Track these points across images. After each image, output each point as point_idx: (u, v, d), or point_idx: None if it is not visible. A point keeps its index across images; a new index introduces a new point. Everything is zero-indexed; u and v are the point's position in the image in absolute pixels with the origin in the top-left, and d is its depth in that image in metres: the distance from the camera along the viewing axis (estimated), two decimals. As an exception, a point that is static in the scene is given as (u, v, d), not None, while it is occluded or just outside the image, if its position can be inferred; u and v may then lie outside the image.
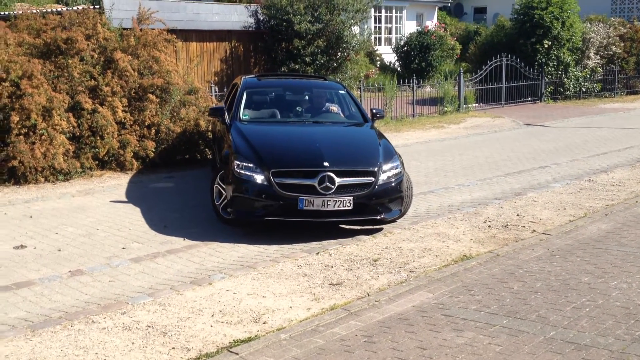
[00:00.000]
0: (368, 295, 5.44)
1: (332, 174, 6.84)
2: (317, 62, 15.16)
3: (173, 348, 4.48)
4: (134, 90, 10.93)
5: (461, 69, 19.62)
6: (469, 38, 27.34)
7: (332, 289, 5.60)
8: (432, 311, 5.00)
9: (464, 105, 19.25)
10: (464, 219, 7.87)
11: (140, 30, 11.63)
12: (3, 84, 9.72)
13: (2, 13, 13.72)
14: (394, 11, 26.78)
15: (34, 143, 9.59)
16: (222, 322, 4.91)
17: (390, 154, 7.50)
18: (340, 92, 9.18)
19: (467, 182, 10.08)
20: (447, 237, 7.15)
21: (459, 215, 8.07)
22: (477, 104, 20.11)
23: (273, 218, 6.94)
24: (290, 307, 5.21)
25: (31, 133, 9.65)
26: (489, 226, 7.56)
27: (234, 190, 7.08)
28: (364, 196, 6.95)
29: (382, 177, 7.09)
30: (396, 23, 27.02)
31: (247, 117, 8.40)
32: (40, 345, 4.49)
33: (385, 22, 26.63)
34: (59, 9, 13.05)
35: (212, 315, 5.03)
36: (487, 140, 14.39)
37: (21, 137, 9.54)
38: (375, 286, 5.67)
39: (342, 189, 6.89)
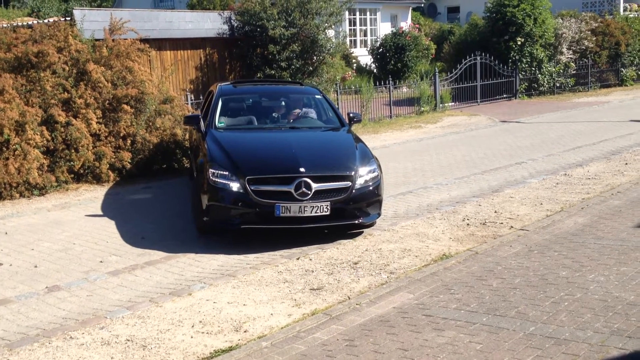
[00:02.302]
0: (349, 298, 5.43)
1: (308, 180, 6.79)
2: (293, 67, 15.15)
3: (153, 361, 4.44)
4: (107, 101, 10.84)
5: (436, 68, 19.73)
6: (443, 38, 27.50)
7: (313, 294, 5.58)
8: (412, 312, 5.00)
9: (441, 105, 19.36)
10: (442, 218, 7.90)
11: (113, 40, 11.54)
12: (-26, 99, 9.59)
13: (-29, 28, 13.53)
14: (368, 13, 26.87)
15: (7, 159, 9.47)
16: (203, 333, 4.88)
17: (367, 157, 7.46)
18: (317, 96, 9.14)
19: (445, 181, 10.12)
20: (427, 236, 7.17)
21: (438, 214, 8.10)
22: (453, 103, 20.23)
23: (250, 226, 6.89)
24: (271, 314, 5.19)
25: (4, 148, 9.53)
26: (468, 224, 7.59)
27: (209, 198, 6.99)
28: (342, 201, 6.92)
29: (360, 181, 7.06)
30: (371, 25, 27.11)
31: (222, 124, 8.33)
32: (18, 364, 4.42)
33: (360, 25, 26.70)
34: (30, 22, 12.91)
35: (193, 326, 4.99)
36: (464, 139, 14.47)
37: (-6, 153, 9.41)
38: (356, 289, 5.66)
39: (319, 195, 6.84)
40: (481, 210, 8.21)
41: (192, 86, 15.37)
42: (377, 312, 5.04)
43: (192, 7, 21.62)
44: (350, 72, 22.11)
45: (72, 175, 10.37)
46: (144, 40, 12.12)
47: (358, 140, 8.05)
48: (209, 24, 15.78)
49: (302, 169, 6.86)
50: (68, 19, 12.45)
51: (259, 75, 15.00)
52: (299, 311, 5.22)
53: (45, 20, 12.59)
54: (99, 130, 10.56)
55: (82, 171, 10.44)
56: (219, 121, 8.36)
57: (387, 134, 15.61)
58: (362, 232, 7.38)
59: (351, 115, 8.89)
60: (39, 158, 9.80)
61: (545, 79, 22.63)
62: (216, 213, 6.98)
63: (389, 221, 7.86)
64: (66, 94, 10.53)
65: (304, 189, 6.76)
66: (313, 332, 4.72)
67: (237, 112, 8.85)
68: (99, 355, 4.53)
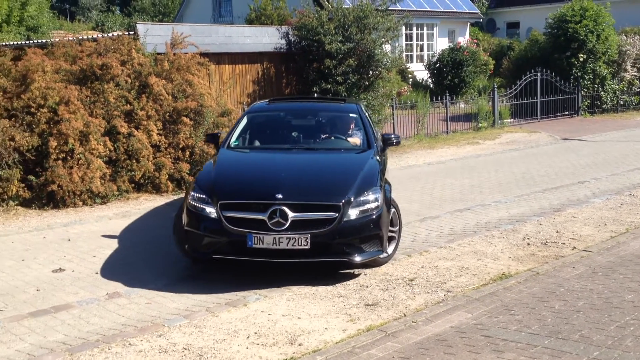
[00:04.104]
0: (405, 315, 5.35)
1: (285, 208, 6.02)
2: (349, 82, 15.16)
3: (209, 371, 4.46)
4: (168, 113, 11.08)
5: (495, 84, 19.43)
6: (502, 53, 27.10)
7: (367, 310, 5.52)
8: (471, 332, 4.89)
9: (499, 121, 19.03)
10: (501, 237, 7.72)
11: (174, 54, 11.81)
12: (41, 110, 9.95)
13: (39, 41, 14.08)
14: (425, 28, 26.74)
15: (71, 167, 9.77)
16: (258, 344, 4.88)
17: (369, 185, 6.51)
18: (352, 115, 8.23)
19: (504, 198, 9.91)
20: (485, 255, 7.02)
21: (497, 232, 7.93)
22: (512, 119, 19.86)
23: (221, 256, 6.26)
24: (326, 328, 5.15)
25: (69, 157, 9.84)
26: (528, 244, 7.40)
27: (187, 224, 6.43)
28: (325, 234, 6.05)
29: (352, 212, 6.17)
30: (428, 40, 26.96)
31: (236, 143, 7.83)
32: (78, 369, 4.51)
33: (417, 40, 26.59)
34: (95, 36, 13.33)
35: (248, 337, 5.00)
36: (524, 156, 14.17)
37: (59, 161, 9.73)
38: (412, 306, 5.57)
39: (298, 226, 6.03)
40: (542, 229, 8.00)
41: (249, 100, 15.56)
42: (434, 331, 4.94)
43: (250, 22, 21.94)
44: (406, 87, 22.01)
45: (133, 185, 10.61)
46: (203, 54, 12.36)
47: (380, 165, 7.21)
48: (267, 38, 15.97)
49: (279, 195, 6.11)
50: (132, 33, 12.80)
51: (314, 89, 15.06)
52: (354, 326, 5.17)
53: (110, 34, 12.99)
54: (159, 141, 10.80)
55: (142, 181, 10.68)
56: (235, 140, 7.87)
57: (443, 149, 15.43)
58: (417, 251, 7.27)
59: (385, 137, 8.15)
60: (102, 167, 10.07)
61: (609, 96, 21.99)
62: (193, 240, 6.37)
63: (445, 238, 7.73)
64: (128, 105, 10.81)
65: (279, 218, 6.01)
66: (368, 348, 4.66)
67: (260, 131, 8.24)
68: (156, 363, 4.59)
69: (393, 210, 6.84)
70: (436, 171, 12.60)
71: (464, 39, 26.50)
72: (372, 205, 6.34)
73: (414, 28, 26.16)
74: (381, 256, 6.54)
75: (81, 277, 6.60)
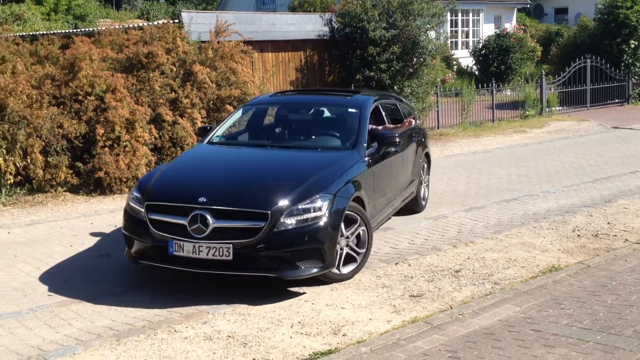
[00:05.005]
0: (451, 307, 5.25)
1: (206, 213, 5.45)
2: (393, 69, 14.97)
3: (254, 359, 4.45)
4: (212, 101, 11.13)
5: (543, 71, 19.00)
6: (550, 39, 26.47)
7: (412, 301, 5.44)
8: (519, 326, 4.77)
9: (547, 109, 18.60)
10: (550, 228, 7.52)
11: (218, 42, 11.84)
12: (89, 97, 10.10)
13: (86, 29, 14.29)
14: (471, 14, 26.25)
15: (118, 155, 9.90)
16: (302, 334, 4.85)
17: (317, 191, 5.69)
18: (351, 110, 7.27)
19: (553, 188, 9.66)
20: (533, 247, 6.85)
21: (545, 223, 7.73)
22: (560, 107, 19.39)
23: (147, 262, 5.82)
24: (370, 319, 5.10)
25: (115, 145, 9.97)
26: (578, 235, 7.19)
27: (123, 226, 6.07)
28: (249, 245, 5.40)
29: (287, 222, 5.46)
30: (473, 26, 26.48)
31: (218, 138, 7.26)
32: (125, 355, 4.56)
33: (462, 26, 26.14)
34: (141, 24, 13.46)
35: (292, 326, 4.98)
36: (573, 145, 13.81)
37: (106, 149, 9.87)
38: (458, 298, 5.47)
39: (221, 234, 5.45)
40: (593, 221, 7.76)
41: (292, 87, 15.53)
42: (481, 324, 4.83)
43: (293, 9, 21.89)
44: (450, 74, 21.68)
45: (177, 172, 10.69)
46: (247, 42, 12.37)
47: (355, 169, 6.31)
48: (310, 26, 15.88)
49: (201, 199, 5.52)
50: (176, 21, 12.88)
51: (357, 77, 14.93)
52: (399, 318, 5.10)
53: (155, 22, 13.10)
54: (203, 129, 10.85)
55: (186, 168, 10.74)
56: (219, 134, 7.33)
57: (489, 138, 15.15)
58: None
59: (381, 134, 6.98)
60: (147, 155, 10.18)
61: (661, 83, 21.28)
62: (129, 243, 5.98)
63: (492, 229, 7.57)
64: (173, 93, 10.89)
65: (199, 224, 5.45)
66: (413, 340, 4.59)
67: (249, 126, 7.84)
68: (201, 350, 4.60)
69: (363, 228, 6.01)
70: (482, 160, 12.38)
71: (510, 25, 25.94)
72: (314, 214, 5.54)
73: (459, 14, 25.72)
74: (334, 270, 5.77)
75: (127, 263, 6.67)
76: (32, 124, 9.46)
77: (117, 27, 12.50)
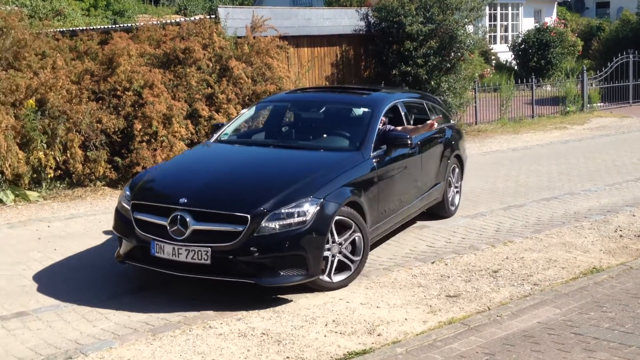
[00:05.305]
0: (488, 309, 5.15)
1: (186, 215, 5.32)
2: (429, 64, 14.79)
3: (287, 357, 4.43)
4: (247, 97, 11.15)
5: (584, 66, 18.59)
6: (591, 34, 25.92)
7: (449, 301, 5.36)
8: (559, 329, 4.65)
9: (588, 105, 18.21)
10: (592, 228, 7.34)
11: (254, 37, 11.85)
12: (127, 93, 10.21)
13: (125, 25, 14.46)
14: (510, 8, 25.82)
15: (155, 149, 9.98)
16: (336, 333, 4.81)
17: (304, 194, 5.44)
18: (364, 109, 6.94)
19: (594, 187, 9.44)
20: (574, 247, 6.68)
21: (587, 223, 7.54)
22: (602, 103, 18.95)
23: (132, 263, 5.72)
24: (406, 319, 5.03)
25: (153, 140, 10.06)
26: (621, 236, 7.00)
27: (113, 225, 6.02)
28: (228, 250, 5.22)
29: (269, 226, 5.24)
30: (512, 20, 26.05)
31: (226, 136, 7.07)
32: (160, 350, 4.58)
33: (501, 20, 25.73)
34: (178, 20, 13.56)
35: (326, 325, 4.95)
36: (615, 142, 13.47)
37: (144, 143, 9.97)
38: (496, 299, 5.36)
39: (200, 236, 5.30)
40: (636, 221, 7.55)
41: (327, 83, 15.47)
42: (520, 326, 4.73)
43: (329, 4, 21.80)
44: (489, 69, 21.37)
45: (213, 168, 10.75)
46: (283, 37, 12.34)
47: (353, 171, 6.00)
48: (346, 20, 15.79)
49: (182, 200, 5.39)
50: (213, 16, 12.92)
51: (394, 72, 14.79)
52: (435, 318, 5.02)
53: (192, 18, 13.18)
54: (239, 124, 10.89)
55: (222, 164, 10.79)
56: (228, 132, 7.15)
57: (528, 134, 14.88)
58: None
59: (391, 135, 6.60)
60: (184, 150, 10.24)
61: None
62: (119, 243, 5.90)
63: (531, 228, 7.42)
64: (209, 89, 10.94)
65: (179, 225, 5.32)
66: (450, 342, 4.51)
67: (262, 123, 7.65)
68: (235, 347, 4.60)
69: (358, 234, 5.72)
70: (521, 157, 12.16)
71: (550, 19, 25.45)
72: (298, 219, 5.29)
73: (498, 8, 25.33)
74: (324, 278, 5.53)
75: (163, 258, 6.71)
76: (71, 119, 9.60)
77: (154, 22, 12.60)
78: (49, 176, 9.54)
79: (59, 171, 9.72)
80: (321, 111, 7.35)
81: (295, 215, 5.31)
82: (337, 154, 6.35)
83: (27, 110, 9.27)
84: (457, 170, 8.26)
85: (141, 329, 4.95)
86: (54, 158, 9.50)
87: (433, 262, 6.34)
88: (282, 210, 5.31)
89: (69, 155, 9.62)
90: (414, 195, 7.11)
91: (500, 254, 6.55)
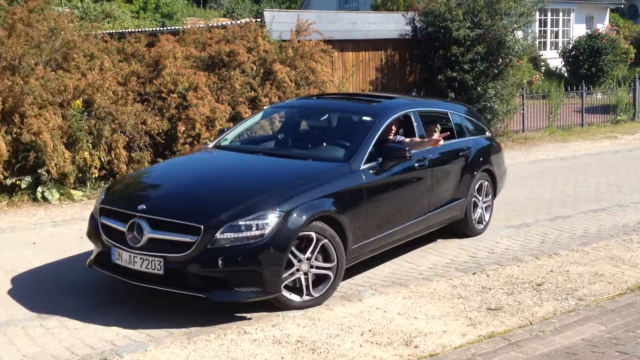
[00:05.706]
0: (531, 323, 4.98)
1: (142, 222, 5.16)
2: (476, 70, 14.55)
3: (321, 367, 4.36)
4: (291, 100, 11.14)
5: (636, 74, 18.03)
6: (645, 41, 25.19)
7: (490, 314, 5.20)
8: (604, 346, 4.46)
9: (640, 114, 17.66)
10: (641, 242, 7.07)
11: (298, 41, 11.84)
12: (171, 95, 10.32)
13: (172, 28, 14.65)
14: (560, 14, 25.28)
15: (197, 151, 10.06)
16: (372, 343, 4.72)
17: (265, 205, 5.15)
18: (365, 119, 6.53)
19: (645, 199, 9.11)
20: (622, 261, 6.43)
21: (636, 237, 7.27)
22: (654, 112, 18.35)
23: (98, 268, 5.60)
24: (444, 331, 4.90)
25: (195, 142, 10.13)
26: (673, 251, 6.72)
27: (87, 229, 5.94)
28: (180, 261, 5.01)
29: (224, 238, 4.98)
30: (563, 26, 25.49)
31: (226, 142, 6.87)
32: (195, 354, 4.56)
33: (551, 26, 25.21)
34: (224, 23, 13.67)
35: (362, 334, 4.86)
36: (668, 153, 13.01)
37: (187, 145, 10.05)
38: (539, 314, 5.18)
39: (155, 245, 5.13)
40: (690, 236, 7.24)
41: (371, 87, 15.37)
42: (563, 343, 4.56)
43: (375, 8, 21.71)
44: (537, 76, 20.95)
45: (255, 171, 10.77)
46: (327, 41, 12.31)
47: (334, 183, 5.64)
48: (392, 25, 15.66)
49: (141, 206, 5.26)
50: (259, 20, 12.98)
51: (439, 77, 14.61)
52: (474, 332, 4.88)
53: (238, 21, 13.26)
54: (281, 128, 10.88)
55: (263, 167, 10.81)
56: (227, 138, 6.94)
57: (577, 143, 14.50)
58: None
59: (386, 147, 6.15)
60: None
61: None
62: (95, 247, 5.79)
63: (577, 240, 7.19)
64: (253, 92, 10.97)
65: (135, 232, 5.17)
66: (490, 357, 4.37)
67: (269, 130, 7.63)
68: (270, 354, 4.55)
69: (325, 240, 5.36)
70: (569, 166, 11.83)
71: (602, 26, 24.81)
72: (257, 232, 5.01)
73: (549, 13, 24.82)
74: (295, 299, 5.29)
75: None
76: (117, 120, 9.74)
77: (201, 25, 12.72)
78: (94, 176, 9.70)
79: (104, 171, 9.87)
80: (322, 119, 7.13)
81: (254, 228, 5.03)
82: (322, 164, 6.02)
83: (74, 111, 9.44)
84: (487, 185, 7.65)
85: (176, 332, 4.94)
86: (99, 158, 9.65)
87: (474, 273, 6.18)
88: (240, 222, 5.04)
89: (113, 155, 9.76)
90: (420, 211, 6.60)
91: (545, 266, 6.35)
